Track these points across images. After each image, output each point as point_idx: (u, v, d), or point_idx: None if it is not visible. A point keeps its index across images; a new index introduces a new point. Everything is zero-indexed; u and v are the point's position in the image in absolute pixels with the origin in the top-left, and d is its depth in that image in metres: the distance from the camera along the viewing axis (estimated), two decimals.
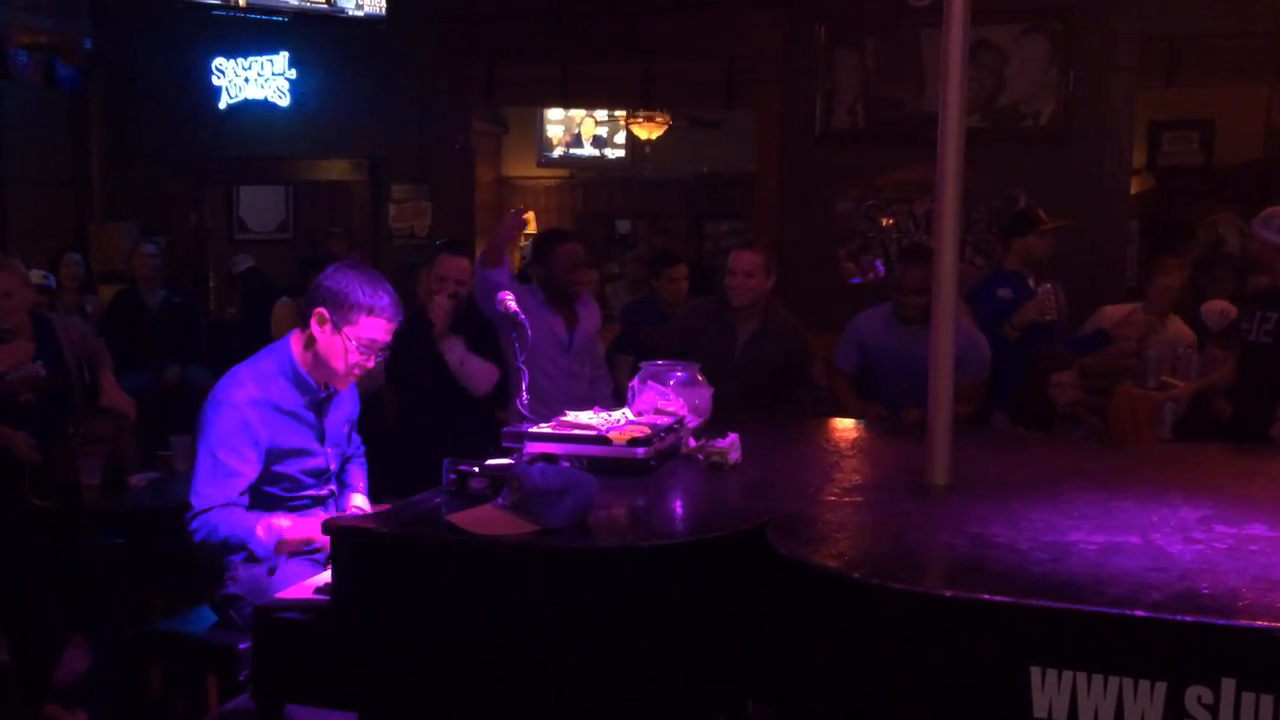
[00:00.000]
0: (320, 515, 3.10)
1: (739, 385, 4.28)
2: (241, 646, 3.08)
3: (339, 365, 3.02)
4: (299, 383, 3.06)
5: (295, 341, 3.08)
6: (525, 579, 2.29)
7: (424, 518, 2.54)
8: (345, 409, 3.29)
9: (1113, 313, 5.80)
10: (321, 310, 2.99)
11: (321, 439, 3.15)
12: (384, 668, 2.38)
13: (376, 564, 2.40)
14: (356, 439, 3.48)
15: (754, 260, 4.61)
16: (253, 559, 2.96)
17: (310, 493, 3.16)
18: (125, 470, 4.58)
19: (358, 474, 3.44)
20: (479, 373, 4.56)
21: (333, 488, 3.25)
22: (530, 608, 2.27)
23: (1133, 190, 7.76)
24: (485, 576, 2.31)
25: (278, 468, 3.04)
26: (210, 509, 2.89)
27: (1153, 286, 5.80)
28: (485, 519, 2.37)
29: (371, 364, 3.08)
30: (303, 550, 3.01)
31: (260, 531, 2.89)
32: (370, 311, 2.98)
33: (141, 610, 4.35)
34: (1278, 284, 4.61)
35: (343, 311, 2.97)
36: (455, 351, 4.49)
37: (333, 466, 3.22)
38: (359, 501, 3.30)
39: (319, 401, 3.11)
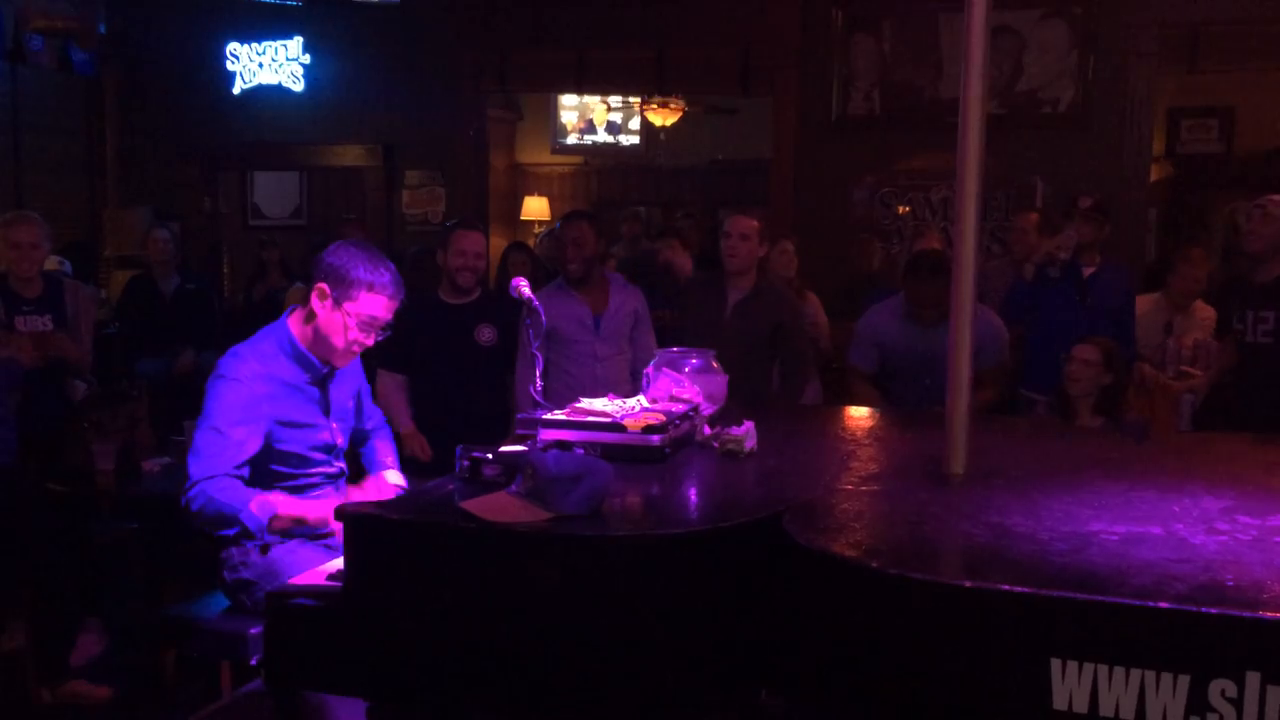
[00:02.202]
0: (326, 498, 3.10)
1: (729, 347, 4.26)
2: (252, 632, 3.08)
3: (338, 341, 3.01)
4: (299, 359, 3.06)
5: (294, 319, 3.08)
6: (539, 566, 2.27)
7: (437, 504, 2.52)
8: (350, 383, 3.28)
9: (1140, 304, 5.72)
10: (322, 285, 2.99)
11: (326, 412, 3.14)
12: (397, 655, 2.37)
13: (389, 551, 2.38)
14: (373, 409, 3.47)
15: (749, 225, 4.70)
16: (246, 534, 2.91)
17: (320, 470, 3.16)
18: (139, 455, 4.60)
19: (385, 449, 3.44)
20: None
21: (342, 465, 3.25)
22: (544, 595, 2.25)
23: (1151, 178, 7.70)
24: (499, 564, 2.29)
25: (285, 445, 3.03)
26: (211, 477, 2.86)
27: (1178, 277, 5.68)
28: (499, 506, 2.35)
29: (371, 342, 3.07)
30: (295, 533, 2.99)
31: (254, 506, 2.86)
32: (371, 288, 2.98)
33: (155, 595, 4.37)
34: (1277, 274, 4.57)
35: (343, 287, 2.97)
36: None
37: (339, 442, 3.21)
38: (394, 479, 3.29)
39: (321, 377, 3.11)
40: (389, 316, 3.06)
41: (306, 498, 3.10)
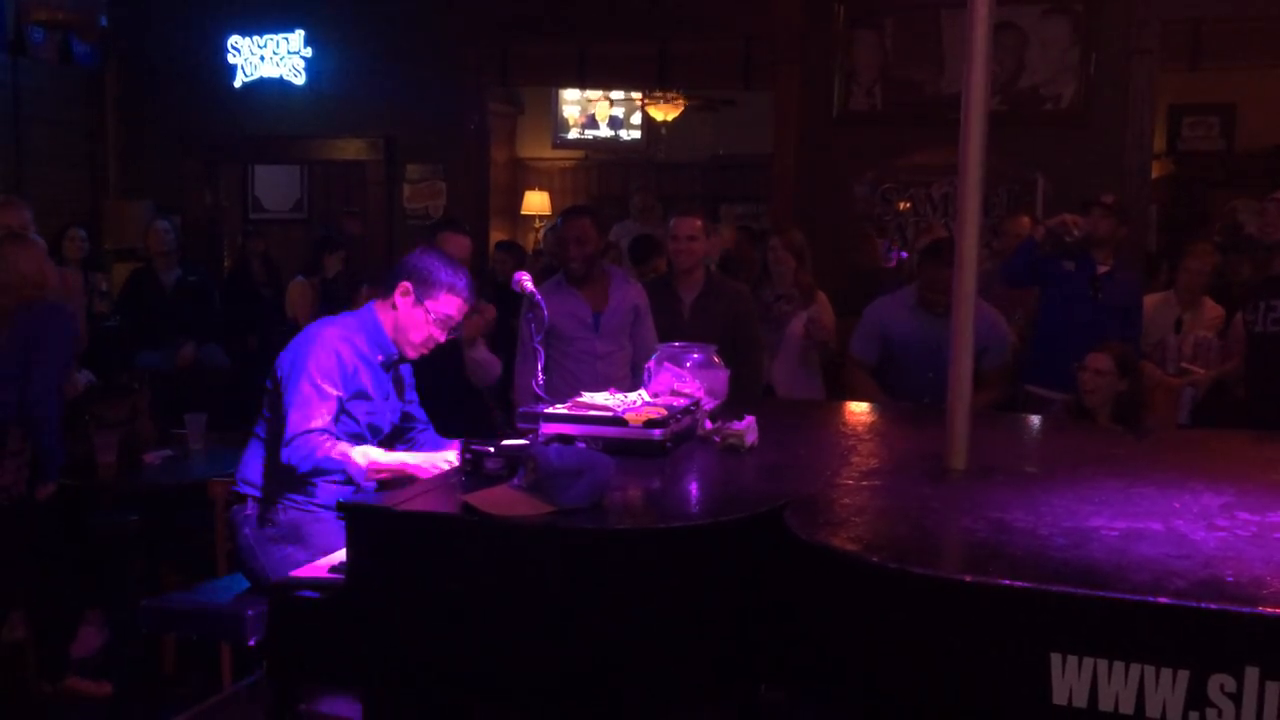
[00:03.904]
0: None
1: None
2: (250, 614, 3.12)
3: (416, 336, 3.31)
4: (379, 340, 3.32)
5: (380, 307, 3.36)
6: (541, 560, 2.28)
7: (440, 497, 2.53)
8: (406, 386, 3.53)
9: (1148, 302, 5.70)
10: (406, 284, 3.30)
11: (386, 396, 3.38)
12: (399, 647, 2.38)
13: (392, 543, 2.39)
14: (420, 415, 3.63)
15: (694, 225, 4.89)
16: (348, 481, 3.15)
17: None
18: (140, 448, 4.60)
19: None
20: (488, 362, 4.65)
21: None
22: (546, 588, 2.26)
23: (1152, 175, 7.69)
24: (501, 557, 2.30)
25: (348, 405, 3.24)
26: (310, 432, 3.08)
27: (1184, 271, 5.66)
28: (501, 499, 2.35)
29: (444, 338, 3.36)
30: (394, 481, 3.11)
31: (358, 457, 3.10)
32: (451, 289, 3.30)
33: (155, 587, 4.37)
34: None
35: (427, 287, 3.28)
36: (476, 349, 4.61)
37: (386, 428, 3.42)
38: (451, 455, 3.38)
39: (392, 363, 3.37)
40: (461, 318, 3.38)
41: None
